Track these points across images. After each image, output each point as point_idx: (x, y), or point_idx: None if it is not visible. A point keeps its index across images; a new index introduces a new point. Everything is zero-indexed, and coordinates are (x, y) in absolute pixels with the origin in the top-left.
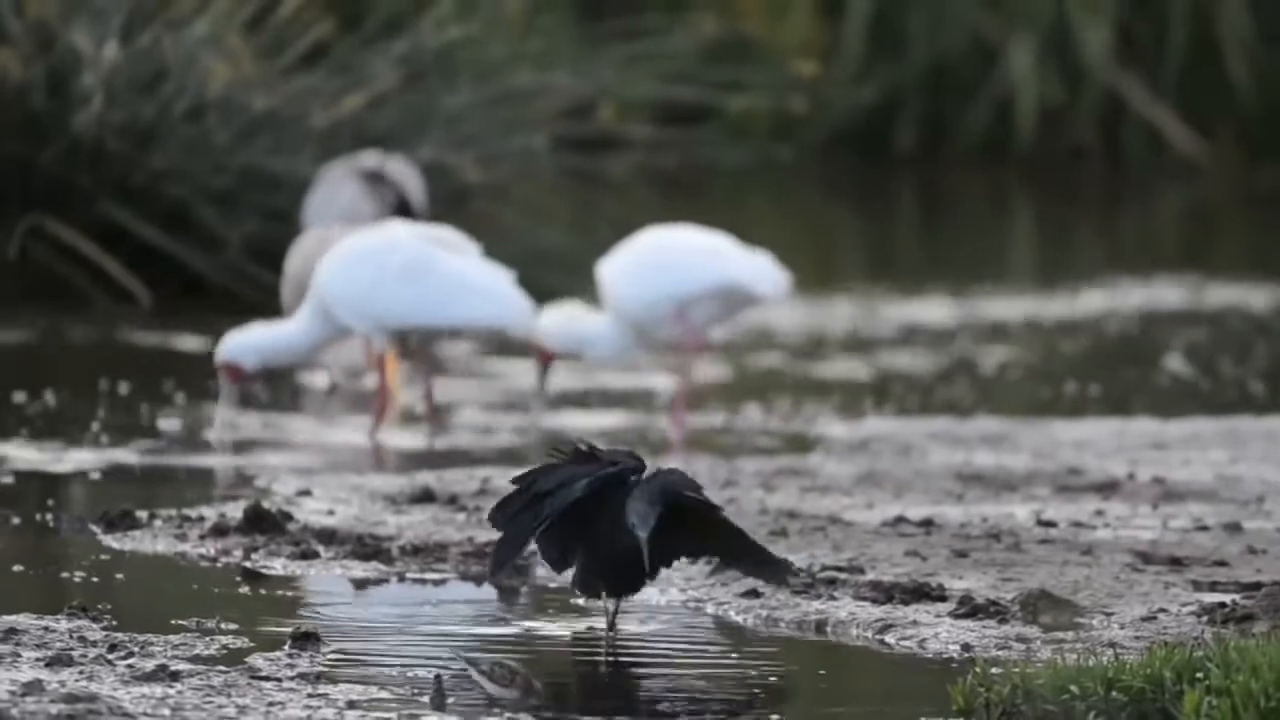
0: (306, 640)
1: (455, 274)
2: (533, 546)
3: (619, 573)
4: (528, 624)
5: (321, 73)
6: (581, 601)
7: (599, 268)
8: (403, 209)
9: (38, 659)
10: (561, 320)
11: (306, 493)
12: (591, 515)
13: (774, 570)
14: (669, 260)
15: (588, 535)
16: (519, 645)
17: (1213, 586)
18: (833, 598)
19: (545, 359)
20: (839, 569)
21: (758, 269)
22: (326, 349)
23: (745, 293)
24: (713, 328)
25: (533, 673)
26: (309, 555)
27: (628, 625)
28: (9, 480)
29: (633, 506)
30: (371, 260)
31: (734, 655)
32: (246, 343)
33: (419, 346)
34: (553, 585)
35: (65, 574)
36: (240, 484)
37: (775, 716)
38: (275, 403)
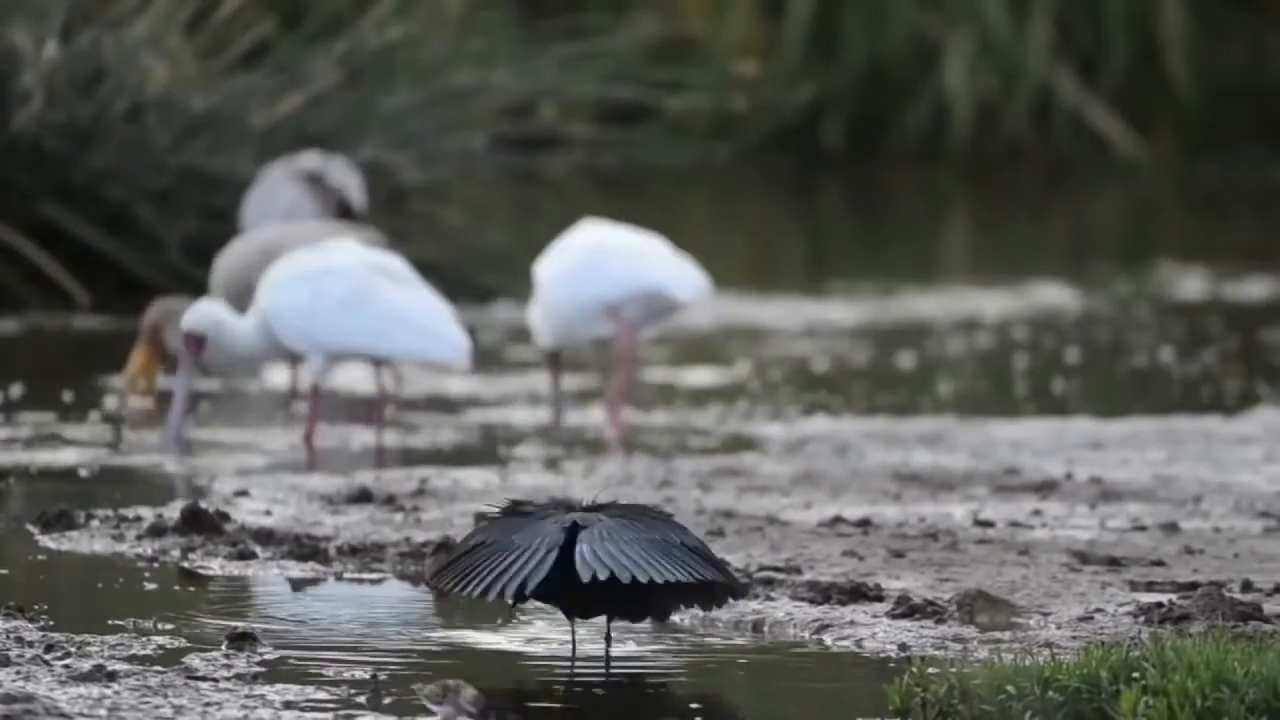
0: (243, 640)
1: (395, 307)
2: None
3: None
4: (463, 626)
5: (261, 72)
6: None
7: (535, 268)
8: (343, 211)
9: None
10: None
11: (244, 493)
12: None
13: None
14: (597, 264)
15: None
16: (452, 646)
17: (1150, 586)
18: (770, 598)
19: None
20: (776, 569)
21: (679, 274)
22: (267, 360)
23: (666, 298)
24: (644, 329)
25: (465, 684)
26: (246, 555)
27: (556, 632)
28: None
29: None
30: (313, 284)
31: (669, 656)
32: (210, 316)
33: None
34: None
35: (1, 574)
36: (177, 484)
37: (712, 714)
38: (213, 404)
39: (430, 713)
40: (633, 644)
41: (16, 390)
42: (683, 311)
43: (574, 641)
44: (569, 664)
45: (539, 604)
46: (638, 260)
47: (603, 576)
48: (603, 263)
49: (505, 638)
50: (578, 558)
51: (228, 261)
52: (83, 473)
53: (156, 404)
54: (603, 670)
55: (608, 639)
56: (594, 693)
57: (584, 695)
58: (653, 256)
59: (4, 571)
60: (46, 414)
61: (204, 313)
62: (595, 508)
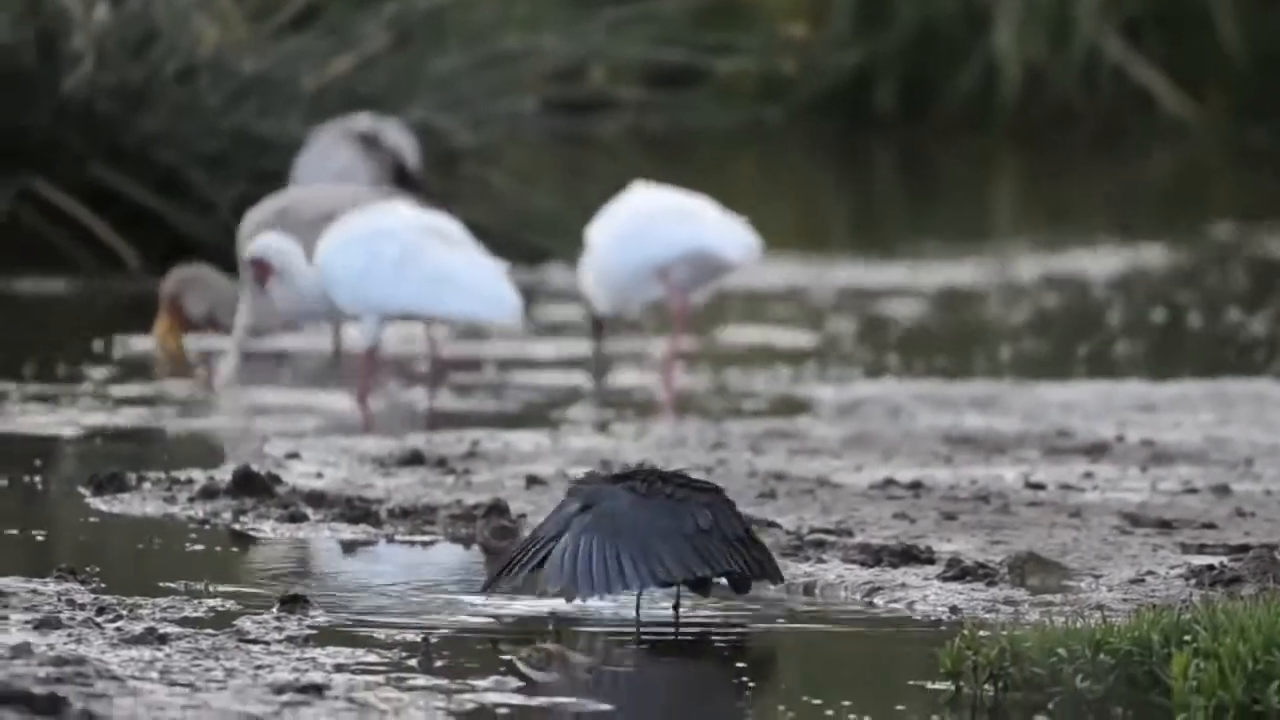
0: (295, 603)
1: (446, 268)
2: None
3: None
4: (515, 588)
5: (311, 35)
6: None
7: (586, 232)
8: (399, 174)
9: (26, 622)
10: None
11: (295, 455)
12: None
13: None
14: (647, 226)
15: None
16: (505, 610)
17: (1201, 549)
18: (821, 560)
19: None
20: (827, 531)
21: (729, 235)
22: (316, 317)
23: (716, 259)
24: (694, 291)
25: (568, 649)
26: (298, 518)
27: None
28: None
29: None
30: (367, 246)
31: (723, 618)
32: (282, 248)
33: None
34: None
35: (54, 537)
36: (229, 446)
37: (761, 675)
38: (263, 366)
39: (479, 673)
40: (685, 607)
41: (68, 351)
42: (733, 272)
43: (638, 606)
44: (632, 627)
45: None
46: (687, 221)
47: (553, 589)
48: (653, 225)
49: (562, 600)
50: (545, 568)
51: (252, 221)
52: (135, 435)
53: (186, 368)
54: (658, 632)
55: (676, 607)
56: (644, 653)
57: (646, 656)
58: (702, 217)
59: (56, 534)
60: (97, 376)
61: (275, 244)
62: (628, 476)
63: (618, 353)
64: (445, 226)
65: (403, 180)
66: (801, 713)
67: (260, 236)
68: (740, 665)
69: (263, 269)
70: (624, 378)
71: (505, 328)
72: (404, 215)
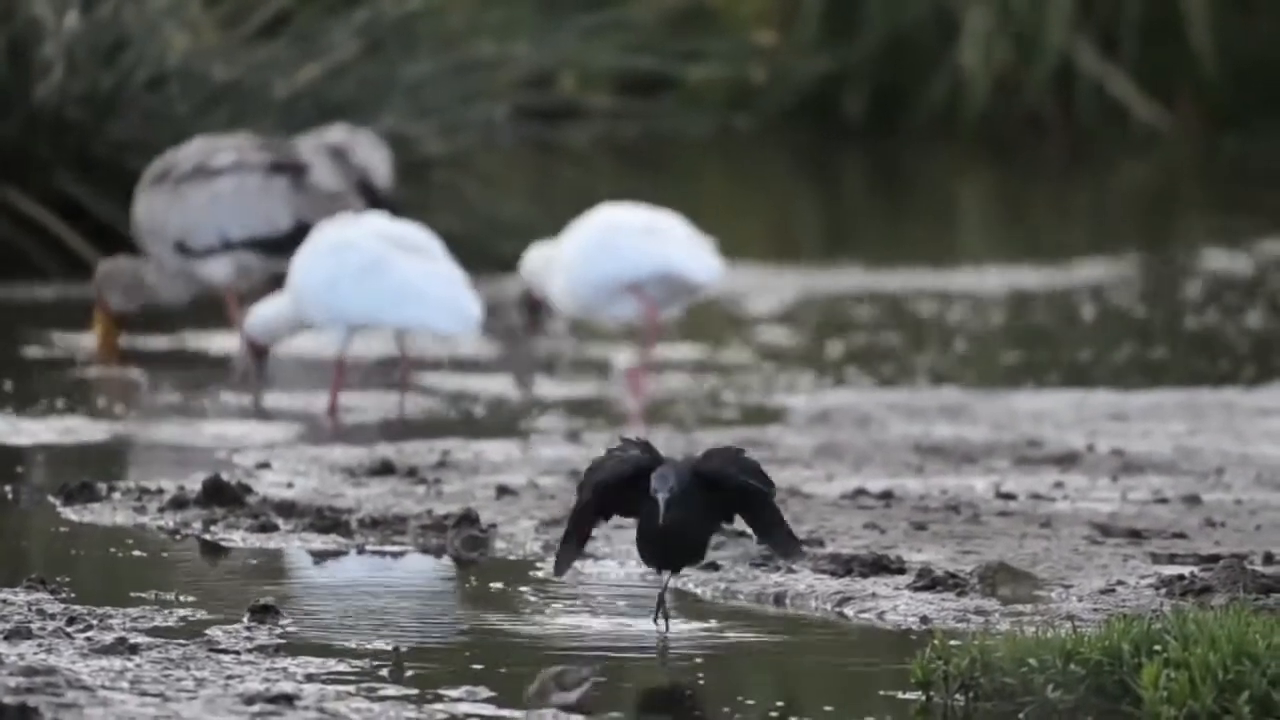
0: (265, 613)
1: (409, 279)
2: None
3: (655, 550)
4: (484, 597)
5: (282, 42)
6: (540, 573)
7: (559, 245)
8: (366, 189)
9: None
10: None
11: (266, 465)
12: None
13: (788, 548)
14: (614, 243)
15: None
16: (474, 619)
17: (1171, 559)
18: (791, 570)
19: (533, 307)
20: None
21: (696, 257)
22: (299, 332)
23: (682, 280)
24: (665, 308)
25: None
26: (268, 528)
27: (590, 592)
28: None
29: (655, 475)
30: (333, 257)
31: (692, 626)
32: (262, 321)
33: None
34: (510, 558)
35: (24, 546)
36: (199, 456)
37: (733, 686)
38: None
39: (450, 683)
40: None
41: (37, 360)
42: (700, 293)
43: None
44: (599, 638)
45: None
46: (654, 241)
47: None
48: (622, 241)
49: (531, 610)
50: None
51: (143, 180)
52: (105, 445)
53: (123, 364)
54: (626, 642)
55: (660, 603)
56: (611, 663)
57: (614, 668)
58: (671, 238)
59: (26, 544)
60: (68, 384)
61: (257, 319)
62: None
63: (589, 360)
64: (413, 237)
65: (369, 195)
66: None
67: (251, 315)
68: (710, 676)
69: (256, 349)
70: (595, 387)
71: (462, 338)
72: (371, 226)
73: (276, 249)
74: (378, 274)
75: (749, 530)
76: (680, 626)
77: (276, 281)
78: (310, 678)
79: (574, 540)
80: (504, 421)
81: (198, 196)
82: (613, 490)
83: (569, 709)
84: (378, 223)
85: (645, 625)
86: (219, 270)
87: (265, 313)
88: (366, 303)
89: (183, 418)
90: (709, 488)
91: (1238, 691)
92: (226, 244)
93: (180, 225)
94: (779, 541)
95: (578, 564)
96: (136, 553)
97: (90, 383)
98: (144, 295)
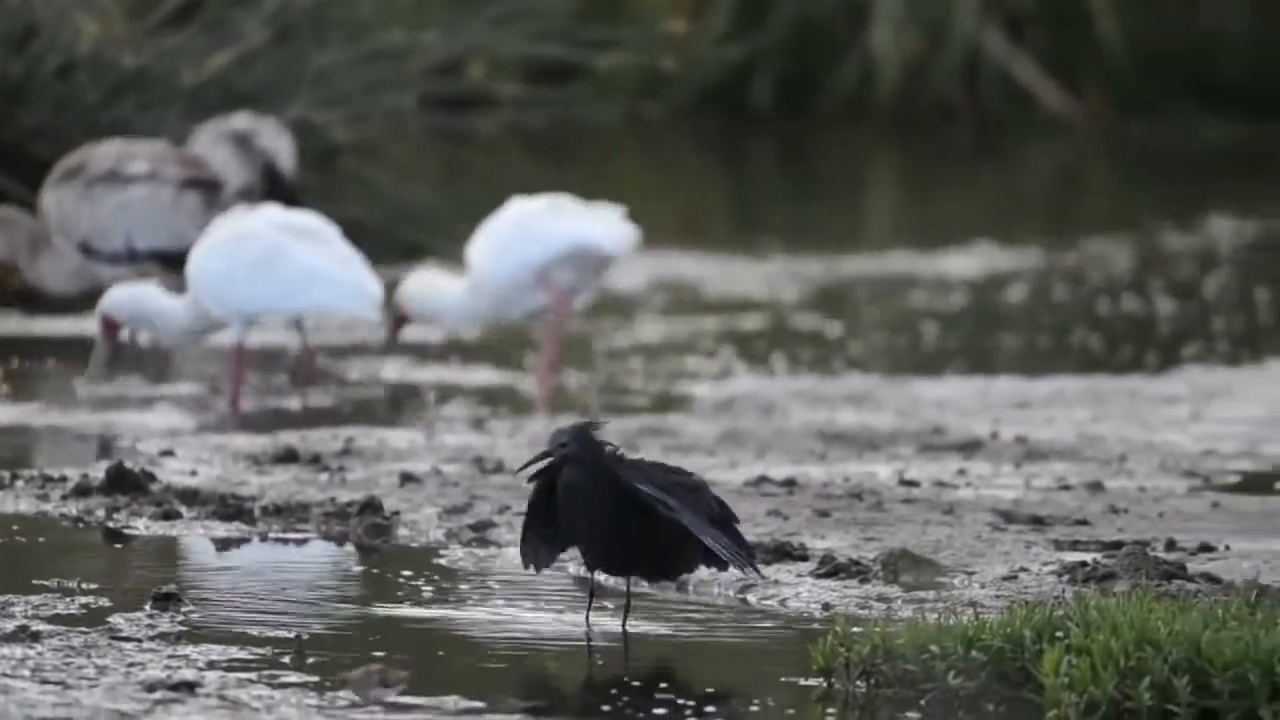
0: (168, 600)
1: (306, 265)
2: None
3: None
4: (386, 585)
5: (191, 31)
6: (443, 560)
7: (469, 249)
8: (270, 175)
9: None
10: (419, 286)
11: (169, 453)
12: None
13: (738, 563)
14: (521, 231)
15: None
16: (375, 606)
17: (1074, 545)
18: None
19: (399, 320)
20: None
21: (605, 227)
22: (202, 333)
23: (595, 252)
24: (578, 293)
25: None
26: (171, 515)
27: (490, 583)
28: None
29: (551, 433)
30: (228, 250)
31: (594, 614)
32: (129, 301)
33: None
34: (413, 546)
35: None
36: (104, 444)
37: (635, 674)
38: (140, 364)
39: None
40: (562, 604)
41: None
42: (612, 265)
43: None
44: (500, 625)
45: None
46: (563, 218)
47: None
48: (529, 227)
49: (433, 597)
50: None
51: (50, 179)
52: (7, 431)
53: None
54: (524, 630)
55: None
56: (508, 648)
57: (498, 650)
58: (577, 213)
59: None
60: None
61: (118, 297)
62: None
63: (497, 348)
64: (308, 224)
65: (274, 182)
66: (673, 709)
67: (110, 293)
68: (612, 663)
69: (109, 326)
70: (499, 376)
71: (366, 318)
72: (266, 216)
73: (181, 263)
74: (276, 261)
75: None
76: (582, 614)
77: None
78: (212, 665)
79: (529, 533)
80: (407, 409)
81: (108, 201)
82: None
83: (380, 704)
84: (272, 213)
85: (545, 613)
86: (119, 277)
87: (120, 295)
88: (267, 291)
89: (86, 405)
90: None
91: (1139, 678)
92: (132, 253)
93: (88, 227)
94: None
95: (480, 551)
96: (39, 540)
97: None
98: (23, 256)
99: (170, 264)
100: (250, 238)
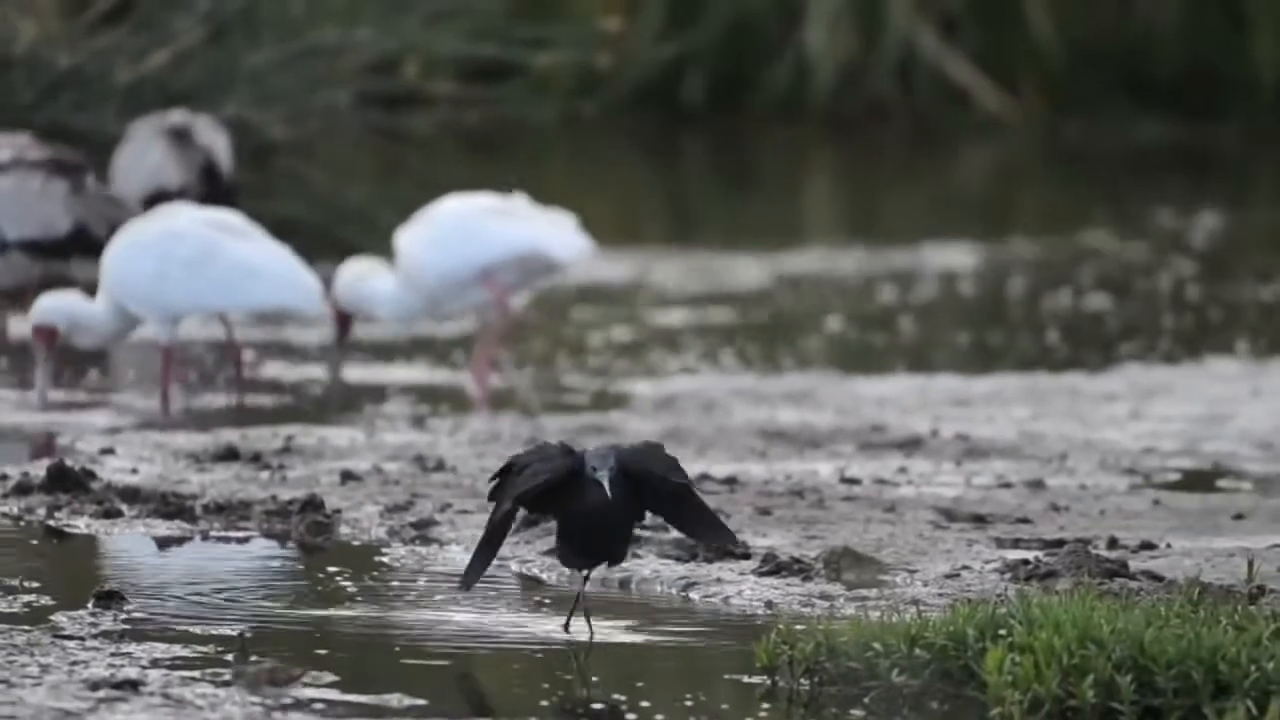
0: (110, 599)
1: (241, 260)
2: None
3: (592, 540)
4: (328, 582)
5: (125, 29)
6: (385, 559)
7: (397, 237)
8: (209, 172)
9: None
10: (352, 277)
11: (110, 451)
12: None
13: (719, 537)
14: (467, 228)
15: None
16: (318, 603)
17: (1016, 543)
18: (636, 555)
19: (343, 320)
20: (642, 526)
21: (558, 235)
22: (128, 334)
23: (547, 259)
24: (515, 292)
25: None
26: (112, 514)
27: (433, 581)
28: None
29: (590, 455)
30: (156, 250)
31: (536, 612)
32: (61, 308)
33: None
34: (355, 544)
35: None
36: (43, 442)
37: (577, 672)
38: (80, 361)
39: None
40: (503, 603)
41: None
42: (561, 272)
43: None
44: (442, 625)
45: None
46: (514, 221)
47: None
48: (478, 226)
49: (375, 595)
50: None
51: None
52: None
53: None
54: (467, 629)
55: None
56: (450, 645)
57: (441, 646)
58: (529, 218)
59: None
60: None
61: (52, 305)
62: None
63: (436, 345)
64: (231, 220)
65: (213, 180)
66: (615, 708)
67: (39, 303)
68: (554, 662)
69: (45, 334)
70: (440, 374)
71: (309, 312)
72: (189, 214)
73: (52, 252)
74: (211, 260)
75: (670, 526)
76: (525, 614)
77: (49, 283)
78: (155, 663)
79: (487, 552)
80: (349, 407)
81: None
82: (539, 500)
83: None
84: (193, 211)
85: (491, 614)
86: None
87: (51, 304)
88: (204, 290)
89: (25, 403)
90: (634, 485)
91: (1082, 676)
92: (2, 244)
93: None
94: (707, 532)
95: (422, 549)
96: None
97: None
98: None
99: (41, 252)
100: (181, 235)
